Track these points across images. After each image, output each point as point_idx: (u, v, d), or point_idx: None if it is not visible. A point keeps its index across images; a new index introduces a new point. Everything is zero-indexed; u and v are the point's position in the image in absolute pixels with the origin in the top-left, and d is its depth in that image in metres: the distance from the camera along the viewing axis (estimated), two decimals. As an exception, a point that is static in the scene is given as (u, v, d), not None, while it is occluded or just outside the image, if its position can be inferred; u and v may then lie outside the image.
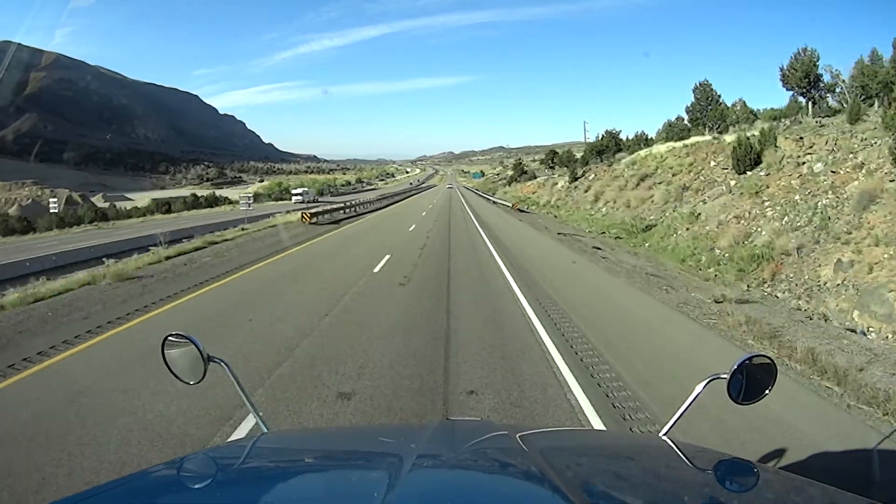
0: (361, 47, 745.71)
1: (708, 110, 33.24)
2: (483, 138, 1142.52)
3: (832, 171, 16.73)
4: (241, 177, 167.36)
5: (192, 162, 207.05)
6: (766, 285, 14.24)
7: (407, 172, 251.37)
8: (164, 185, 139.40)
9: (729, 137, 25.58)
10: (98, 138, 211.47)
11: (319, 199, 66.67)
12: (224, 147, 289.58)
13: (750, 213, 18.73)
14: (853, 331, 9.14)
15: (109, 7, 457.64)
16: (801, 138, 20.14)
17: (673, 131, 35.58)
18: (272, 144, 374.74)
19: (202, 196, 79.02)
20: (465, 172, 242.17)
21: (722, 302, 9.07)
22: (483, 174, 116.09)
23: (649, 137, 40.79)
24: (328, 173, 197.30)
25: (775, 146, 20.74)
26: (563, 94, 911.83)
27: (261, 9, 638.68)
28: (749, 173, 20.90)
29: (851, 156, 16.86)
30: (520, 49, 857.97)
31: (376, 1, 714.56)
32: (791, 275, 14.01)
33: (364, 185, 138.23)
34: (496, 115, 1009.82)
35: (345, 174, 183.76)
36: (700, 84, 33.78)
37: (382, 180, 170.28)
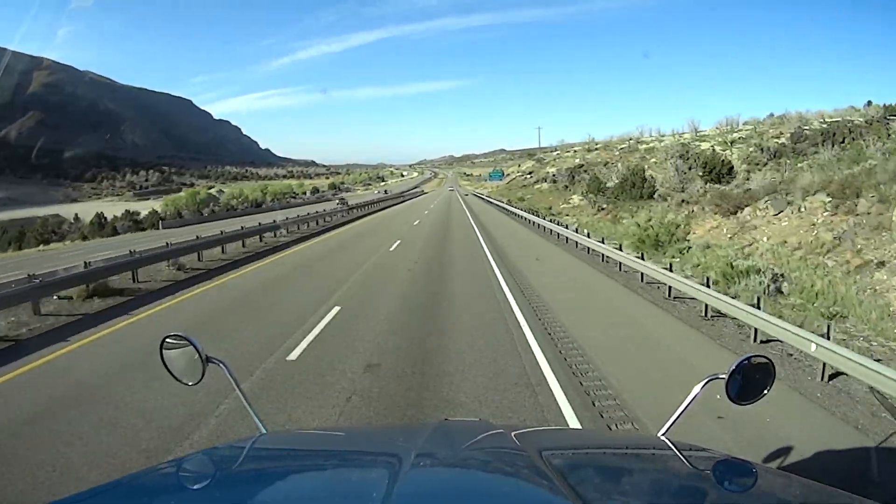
0: (360, 52, 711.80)
1: None
2: (483, 141, 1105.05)
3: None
4: (193, 183, 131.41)
5: (166, 166, 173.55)
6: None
7: (402, 176, 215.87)
8: (77, 196, 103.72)
9: None
10: (79, 144, 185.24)
11: None
12: (216, 152, 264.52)
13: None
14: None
15: (106, 13, 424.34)
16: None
17: None
18: (269, 150, 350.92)
19: None
20: (468, 175, 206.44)
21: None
22: (503, 174, 68.97)
23: None
24: (312, 178, 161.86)
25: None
26: (563, 96, 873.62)
27: (259, 13, 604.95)
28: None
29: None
30: (518, 51, 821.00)
31: (374, 5, 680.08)
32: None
33: (337, 191, 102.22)
34: (496, 117, 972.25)
35: (328, 179, 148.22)
36: None
37: (368, 185, 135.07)
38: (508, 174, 64.72)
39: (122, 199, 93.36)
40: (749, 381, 1.51)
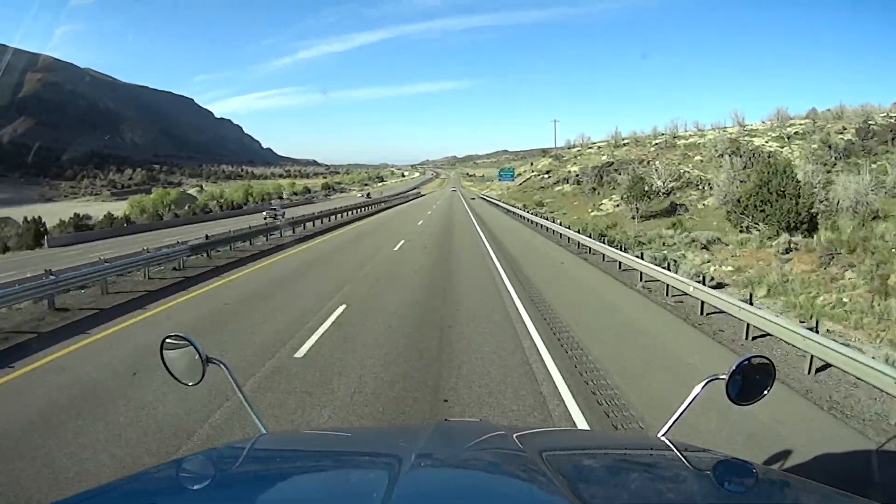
0: (362, 52, 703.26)
1: None
2: (485, 142, 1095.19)
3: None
4: (181, 182, 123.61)
5: (158, 164, 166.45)
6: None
7: (403, 176, 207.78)
8: (53, 195, 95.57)
9: None
10: (79, 143, 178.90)
11: None
12: (216, 151, 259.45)
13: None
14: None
15: (107, 12, 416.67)
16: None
17: None
18: (271, 149, 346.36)
19: None
20: (470, 175, 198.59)
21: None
22: (514, 173, 55.73)
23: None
24: (309, 178, 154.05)
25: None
26: (567, 96, 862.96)
27: (260, 13, 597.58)
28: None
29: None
30: (520, 52, 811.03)
31: (375, 6, 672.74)
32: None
33: (330, 191, 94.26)
34: (498, 118, 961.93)
35: (324, 178, 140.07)
36: None
37: (366, 185, 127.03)
38: (520, 174, 54.88)
39: (99, 199, 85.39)
40: (749, 381, 1.45)
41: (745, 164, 36.29)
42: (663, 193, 31.61)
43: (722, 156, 36.16)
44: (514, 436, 1.30)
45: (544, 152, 57.60)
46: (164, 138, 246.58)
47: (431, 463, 1.14)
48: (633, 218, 28.19)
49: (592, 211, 31.42)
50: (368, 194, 75.13)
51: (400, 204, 56.72)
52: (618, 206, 31.19)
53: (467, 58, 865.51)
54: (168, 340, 1.59)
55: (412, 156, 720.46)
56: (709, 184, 33.17)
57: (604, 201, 32.68)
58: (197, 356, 1.54)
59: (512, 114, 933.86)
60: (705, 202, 31.04)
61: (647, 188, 27.85)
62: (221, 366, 1.55)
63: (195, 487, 1.09)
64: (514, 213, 32.68)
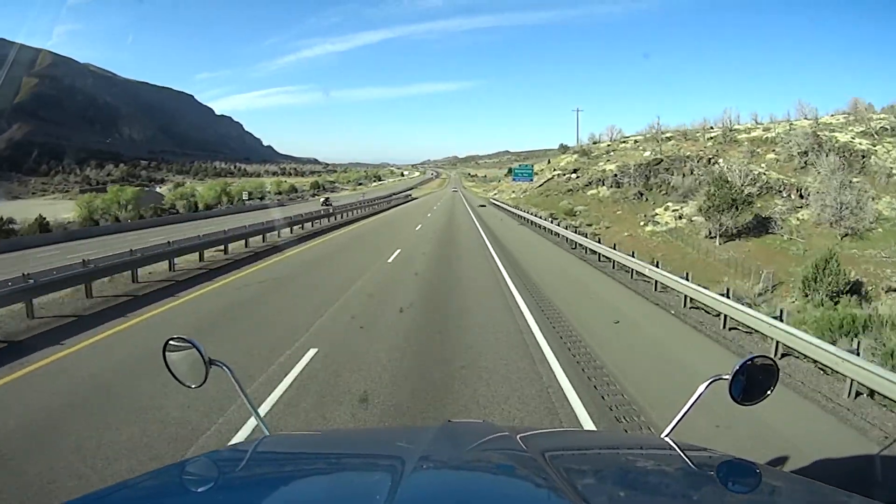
0: (364, 52, 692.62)
1: None
2: (487, 142, 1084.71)
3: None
4: (164, 179, 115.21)
5: (146, 160, 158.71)
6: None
7: (402, 175, 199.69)
8: (21, 192, 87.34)
9: None
10: (78, 140, 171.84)
11: None
12: (216, 149, 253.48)
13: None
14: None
15: (108, 10, 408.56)
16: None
17: None
18: (271, 147, 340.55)
19: None
20: (472, 176, 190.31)
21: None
22: (532, 172, 43.59)
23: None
24: (304, 176, 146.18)
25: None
26: (566, 97, 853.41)
27: (261, 12, 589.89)
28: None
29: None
30: (522, 54, 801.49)
31: (376, 6, 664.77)
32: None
33: (319, 190, 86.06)
34: (500, 119, 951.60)
35: (319, 176, 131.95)
36: None
37: (361, 184, 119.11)
38: (537, 173, 45.56)
39: (67, 197, 77.44)
40: (752, 381, 1.43)
41: (839, 164, 27.93)
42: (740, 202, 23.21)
43: (806, 153, 27.80)
44: (518, 437, 1.27)
45: (565, 148, 48.84)
46: (162, 135, 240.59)
47: (434, 464, 1.11)
48: (713, 237, 19.72)
49: (646, 225, 22.98)
50: (327, 199, 50.85)
51: (366, 217, 34.50)
52: (680, 217, 22.74)
53: (469, 59, 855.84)
54: (171, 342, 1.56)
55: (413, 155, 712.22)
56: (798, 190, 24.77)
57: (657, 210, 24.26)
58: (199, 358, 1.51)
59: (514, 115, 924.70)
60: (799, 215, 22.63)
61: (734, 195, 19.38)
62: (224, 368, 1.51)
63: (199, 490, 1.08)
64: (551, 233, 19.21)
